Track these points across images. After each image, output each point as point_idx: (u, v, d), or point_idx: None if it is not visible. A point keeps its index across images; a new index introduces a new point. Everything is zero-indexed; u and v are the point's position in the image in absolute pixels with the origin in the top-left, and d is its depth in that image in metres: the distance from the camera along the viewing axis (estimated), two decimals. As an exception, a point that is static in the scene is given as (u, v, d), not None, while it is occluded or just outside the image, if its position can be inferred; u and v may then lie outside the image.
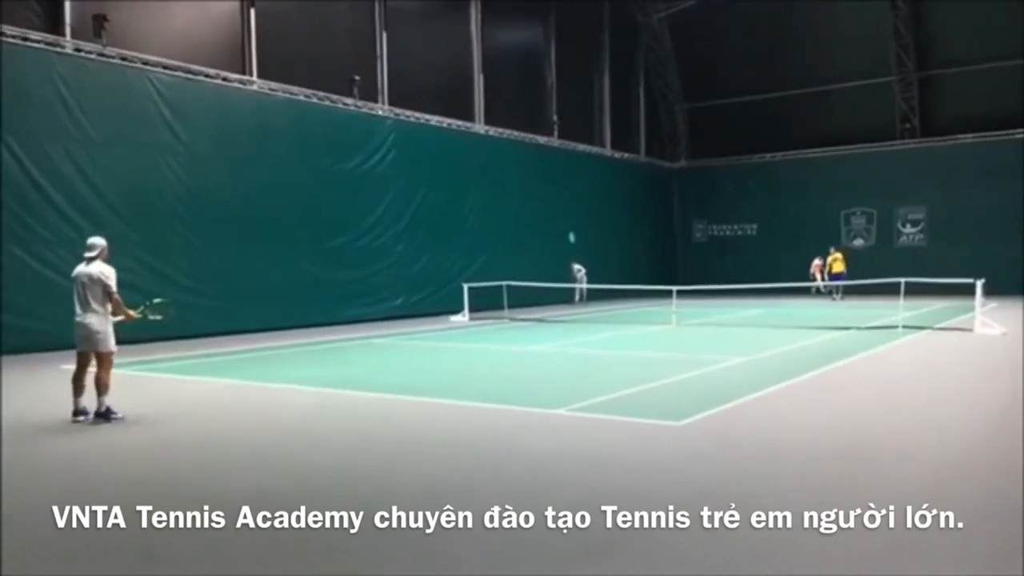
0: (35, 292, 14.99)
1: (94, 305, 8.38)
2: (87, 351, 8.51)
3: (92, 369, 8.57)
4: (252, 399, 10.23)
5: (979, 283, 17.09)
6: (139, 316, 8.78)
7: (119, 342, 8.67)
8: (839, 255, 27.82)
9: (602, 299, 27.53)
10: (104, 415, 8.39)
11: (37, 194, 15.27)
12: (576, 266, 27.31)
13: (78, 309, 8.43)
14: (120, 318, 8.65)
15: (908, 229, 31.00)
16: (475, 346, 15.99)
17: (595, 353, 14.47)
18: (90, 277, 8.41)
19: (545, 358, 13.90)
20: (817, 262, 28.09)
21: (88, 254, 8.55)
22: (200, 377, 11.95)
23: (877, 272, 25.51)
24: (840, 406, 9.06)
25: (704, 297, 26.14)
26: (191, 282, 17.29)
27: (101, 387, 8.41)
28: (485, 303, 22.12)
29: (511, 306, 22.33)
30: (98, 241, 8.65)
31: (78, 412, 8.46)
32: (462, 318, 21.28)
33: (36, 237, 15.19)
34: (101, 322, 8.42)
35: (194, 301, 16.87)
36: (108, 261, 8.59)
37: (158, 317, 8.94)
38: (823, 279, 27.64)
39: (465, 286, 21.71)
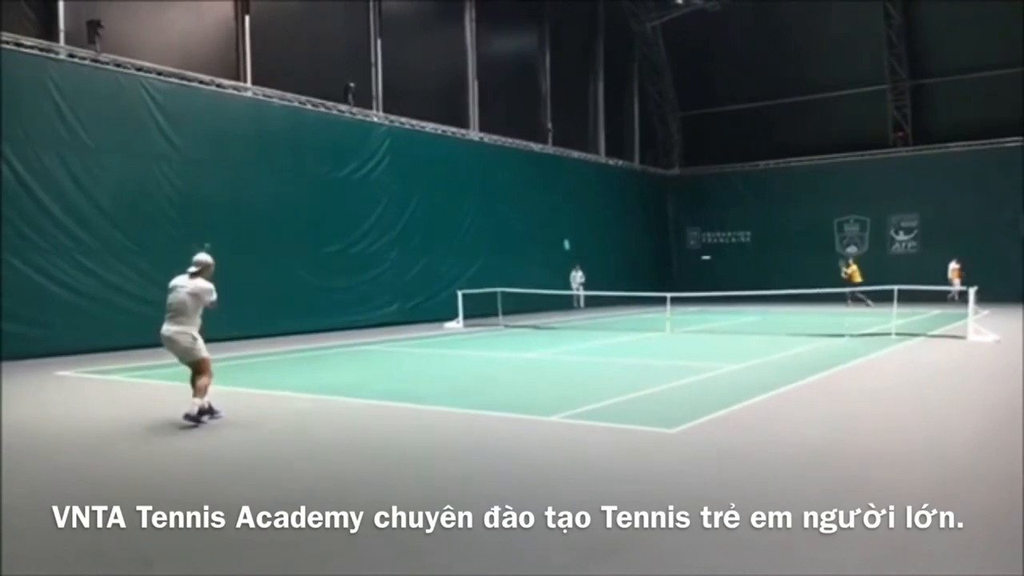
0: (31, 300, 14.93)
1: (182, 318, 8.48)
2: (186, 362, 8.64)
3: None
4: (246, 405, 10.16)
5: (972, 291, 17.18)
6: None
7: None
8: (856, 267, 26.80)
9: (597, 306, 27.59)
10: (205, 413, 8.47)
11: (31, 201, 15.19)
12: (576, 273, 27.58)
13: (165, 322, 8.53)
14: None
15: (901, 236, 31.13)
16: (469, 353, 15.95)
17: (588, 360, 14.47)
18: (188, 292, 8.52)
19: (538, 365, 13.88)
20: (954, 266, 26.30)
21: (192, 269, 8.67)
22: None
23: (870, 279, 25.62)
24: (836, 411, 9.07)
25: (698, 304, 26.17)
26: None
27: (199, 390, 8.49)
28: (479, 310, 22.11)
29: (505, 313, 22.33)
30: (204, 259, 8.78)
31: (202, 412, 8.54)
32: (456, 325, 21.24)
33: (30, 245, 15.11)
34: (188, 333, 8.50)
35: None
36: (211, 279, 8.75)
37: None
38: (961, 283, 24.06)
39: (459, 293, 21.71)
